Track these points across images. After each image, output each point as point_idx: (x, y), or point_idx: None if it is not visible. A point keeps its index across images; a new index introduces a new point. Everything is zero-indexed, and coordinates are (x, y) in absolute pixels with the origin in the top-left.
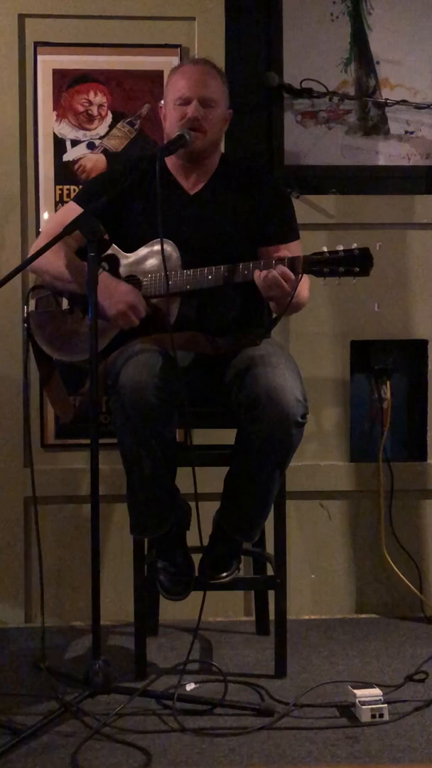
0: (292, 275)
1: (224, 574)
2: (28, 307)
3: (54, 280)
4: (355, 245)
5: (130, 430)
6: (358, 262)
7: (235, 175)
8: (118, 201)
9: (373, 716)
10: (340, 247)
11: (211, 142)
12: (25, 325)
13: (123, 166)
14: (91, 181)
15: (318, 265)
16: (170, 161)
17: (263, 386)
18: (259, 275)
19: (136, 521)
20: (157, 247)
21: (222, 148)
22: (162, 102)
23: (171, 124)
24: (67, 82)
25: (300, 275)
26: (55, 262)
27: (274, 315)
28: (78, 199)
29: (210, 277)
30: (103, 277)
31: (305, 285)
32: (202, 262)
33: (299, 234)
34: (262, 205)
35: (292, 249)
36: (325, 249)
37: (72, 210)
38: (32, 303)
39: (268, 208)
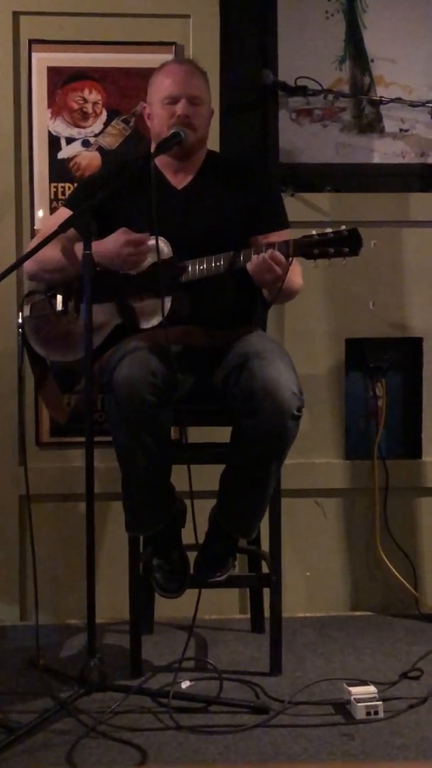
0: (282, 258)
1: (219, 573)
2: (22, 314)
3: (53, 272)
4: (343, 226)
5: (124, 428)
6: (347, 242)
7: (222, 168)
8: (109, 199)
9: (368, 713)
10: (329, 229)
11: (199, 139)
12: (20, 330)
13: (113, 167)
14: (79, 186)
15: (308, 247)
16: (158, 158)
17: (259, 380)
18: (250, 261)
19: (131, 519)
20: (149, 243)
21: (217, 145)
22: (144, 103)
23: (160, 124)
24: (61, 79)
25: (291, 258)
26: (49, 253)
27: (268, 301)
28: (68, 204)
29: (202, 267)
30: (94, 244)
31: (297, 272)
32: (193, 256)
33: (288, 223)
34: (250, 195)
35: (282, 237)
36: (314, 231)
37: (63, 215)
38: (26, 308)
39: (256, 198)
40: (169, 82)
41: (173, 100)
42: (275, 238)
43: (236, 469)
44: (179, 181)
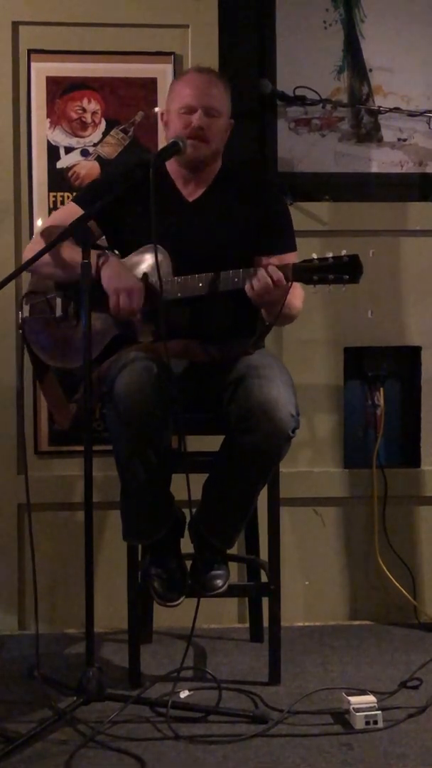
0: (280, 274)
1: (218, 582)
2: (22, 313)
3: (54, 270)
4: (344, 252)
5: (125, 438)
6: (347, 269)
7: (235, 182)
8: (116, 206)
9: (367, 723)
10: (330, 254)
11: (212, 152)
12: (20, 331)
13: (121, 171)
14: (92, 183)
15: (307, 272)
16: (171, 168)
17: (257, 399)
18: (249, 284)
19: (129, 527)
20: (148, 254)
21: None
22: (158, 108)
23: (174, 132)
24: (60, 89)
25: (290, 283)
26: (50, 252)
27: (266, 323)
28: (78, 200)
29: (200, 284)
30: (115, 259)
31: (298, 296)
32: (197, 270)
33: (296, 246)
34: (260, 214)
35: (287, 261)
36: (314, 256)
37: (72, 210)
38: (26, 309)
39: (266, 218)
40: (188, 92)
41: (190, 110)
42: (279, 261)
43: (222, 482)
44: (190, 192)
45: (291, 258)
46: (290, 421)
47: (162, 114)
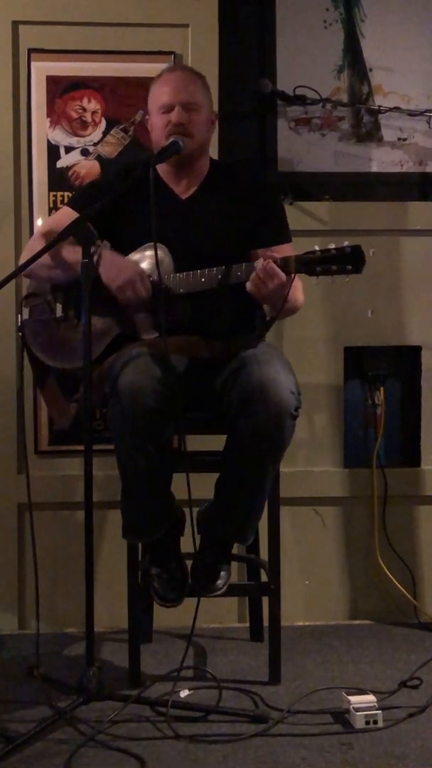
0: (277, 270)
1: (219, 583)
2: (22, 316)
3: (50, 271)
4: (347, 243)
5: (127, 435)
6: (350, 260)
7: (226, 178)
8: (112, 206)
9: (367, 722)
10: (332, 246)
11: (198, 146)
12: (20, 333)
13: (117, 172)
14: (85, 187)
15: (310, 264)
16: (160, 167)
17: (256, 380)
18: (249, 280)
19: (129, 525)
20: (149, 252)
21: (216, 154)
22: (143, 111)
23: (157, 133)
24: (60, 88)
25: (293, 275)
26: (45, 256)
27: (269, 317)
28: (72, 204)
29: (203, 279)
30: (107, 253)
31: (299, 288)
32: (195, 266)
33: (291, 237)
34: (253, 207)
35: (284, 251)
36: (317, 248)
37: (66, 214)
38: (26, 311)
39: (259, 211)
40: (164, 91)
41: (168, 108)
42: (277, 253)
43: (233, 472)
44: (183, 190)
45: (287, 249)
46: (291, 399)
47: (147, 117)
